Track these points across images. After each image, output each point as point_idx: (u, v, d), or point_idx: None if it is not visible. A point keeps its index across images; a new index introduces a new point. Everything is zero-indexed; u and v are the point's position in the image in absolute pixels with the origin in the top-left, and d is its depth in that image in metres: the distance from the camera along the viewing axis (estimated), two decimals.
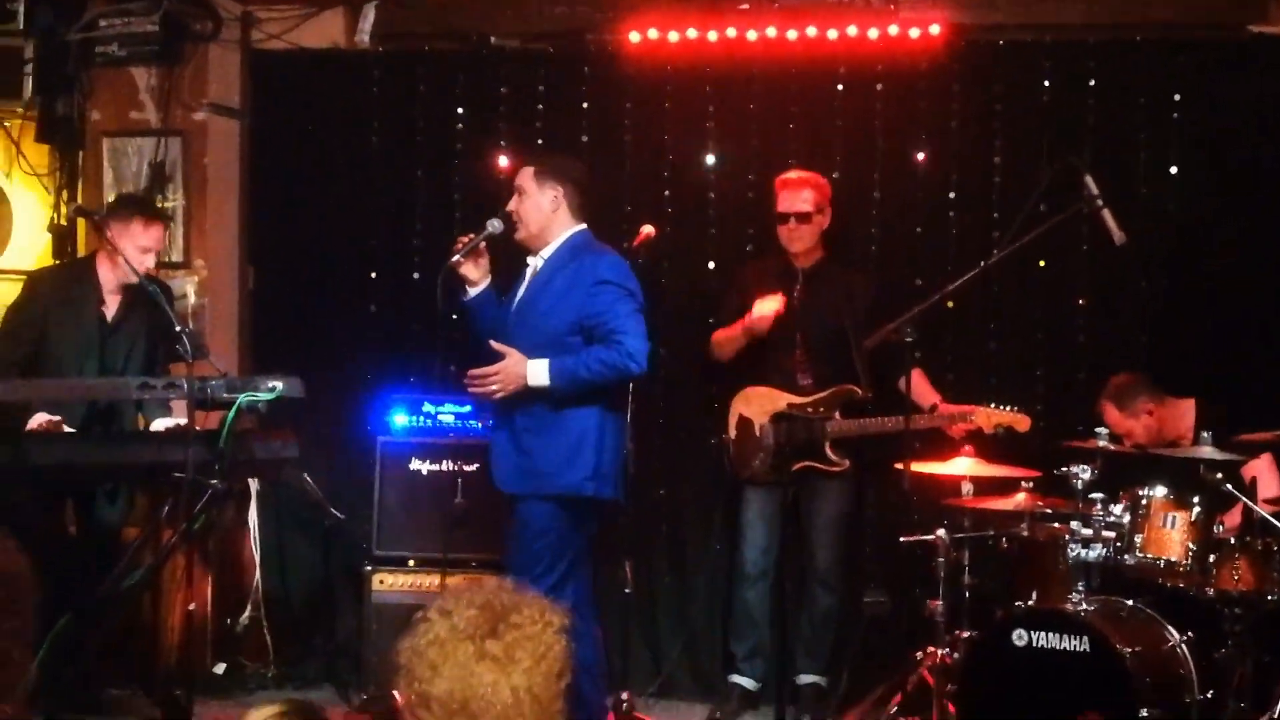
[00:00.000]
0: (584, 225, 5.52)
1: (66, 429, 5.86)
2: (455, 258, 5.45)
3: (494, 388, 5.30)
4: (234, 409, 5.44)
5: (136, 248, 5.99)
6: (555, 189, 5.46)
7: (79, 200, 7.15)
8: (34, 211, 7.38)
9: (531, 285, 5.49)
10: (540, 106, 7.14)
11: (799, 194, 6.44)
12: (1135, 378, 6.17)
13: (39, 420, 5.80)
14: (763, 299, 6.29)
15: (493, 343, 5.38)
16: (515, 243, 5.54)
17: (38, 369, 6.06)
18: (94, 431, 6.05)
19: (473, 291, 5.55)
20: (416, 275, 7.18)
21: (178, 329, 5.60)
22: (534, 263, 5.52)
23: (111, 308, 6.18)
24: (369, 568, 6.52)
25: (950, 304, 6.33)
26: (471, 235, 5.48)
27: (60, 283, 6.33)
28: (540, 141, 7.09)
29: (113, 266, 6.09)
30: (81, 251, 7.08)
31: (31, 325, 6.11)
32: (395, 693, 2.94)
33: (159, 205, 6.67)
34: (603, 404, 5.40)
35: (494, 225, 5.46)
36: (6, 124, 7.35)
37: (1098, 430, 5.64)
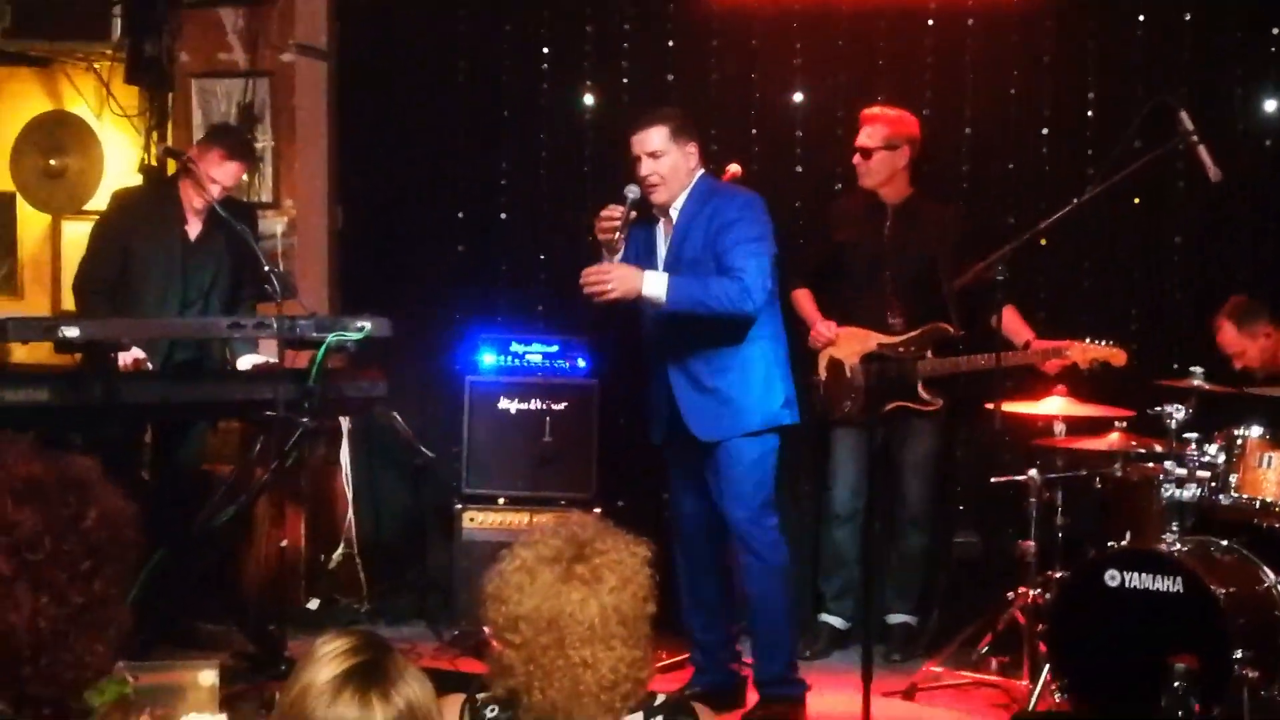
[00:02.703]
0: (703, 169, 5.47)
1: (149, 365, 5.94)
2: (616, 235, 5.24)
3: (610, 287, 5.16)
4: (323, 348, 5.48)
5: (208, 177, 6.03)
6: (690, 145, 5.39)
7: (168, 141, 7.20)
8: (125, 152, 7.44)
9: (672, 242, 5.39)
10: (625, 45, 7.11)
11: (866, 129, 6.38)
12: (1257, 301, 6.08)
13: (127, 358, 5.86)
14: (824, 330, 6.28)
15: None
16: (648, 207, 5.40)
17: (124, 288, 6.14)
18: (185, 369, 6.12)
19: (616, 259, 5.34)
20: (504, 215, 7.21)
21: (266, 268, 5.64)
22: (664, 220, 5.43)
23: (194, 228, 6.24)
24: (459, 506, 6.55)
25: (1044, 241, 6.28)
26: (618, 208, 5.26)
27: (144, 200, 6.44)
28: (625, 81, 7.07)
29: (194, 189, 6.14)
30: None
31: (117, 242, 6.20)
32: (484, 626, 2.97)
33: (249, 147, 6.68)
34: (772, 335, 5.42)
35: (634, 192, 5.29)
36: (96, 65, 7.41)
37: (1193, 369, 5.55)
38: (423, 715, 2.49)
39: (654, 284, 5.18)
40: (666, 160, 5.33)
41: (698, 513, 5.51)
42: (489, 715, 2.92)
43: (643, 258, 5.41)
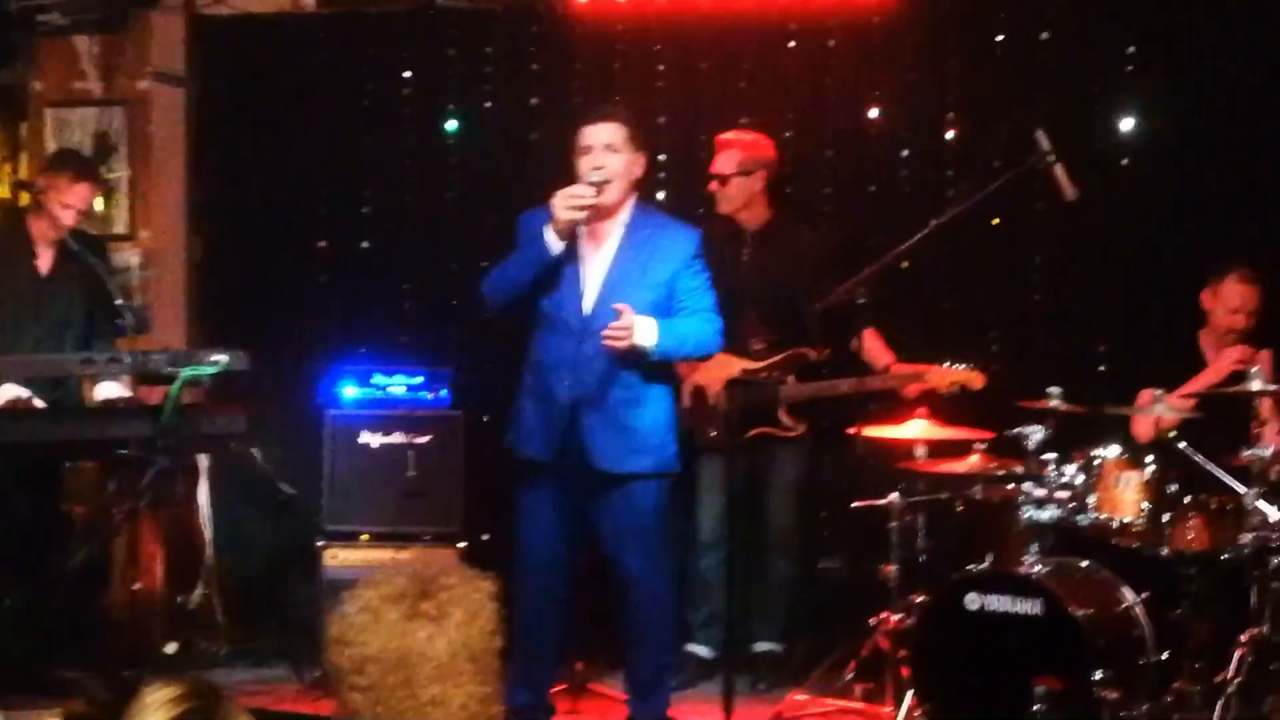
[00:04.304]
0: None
1: (35, 402, 5.79)
2: (579, 214, 5.04)
3: (627, 337, 5.02)
4: (177, 383, 5.36)
5: (60, 204, 5.90)
6: (641, 155, 5.27)
7: (21, 174, 7.05)
8: None
9: (620, 253, 5.23)
10: (488, 69, 7.05)
11: (721, 155, 6.36)
12: None
13: (7, 395, 5.72)
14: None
15: (617, 305, 5.06)
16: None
17: None
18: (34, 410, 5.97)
19: (559, 246, 5.13)
20: (366, 243, 7.11)
21: (119, 302, 5.52)
22: (602, 230, 5.24)
23: (45, 261, 6.10)
24: (321, 543, 6.41)
25: (905, 263, 6.28)
26: (587, 189, 5.06)
27: None
28: (489, 105, 7.01)
29: (46, 221, 6.01)
30: None
31: None
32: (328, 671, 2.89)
33: (95, 168, 6.55)
34: (672, 376, 5.35)
35: (598, 177, 5.08)
36: None
37: (1049, 390, 5.57)
38: None
39: (644, 332, 5.07)
40: (620, 158, 5.17)
41: (560, 542, 5.35)
42: None
43: (560, 270, 5.21)
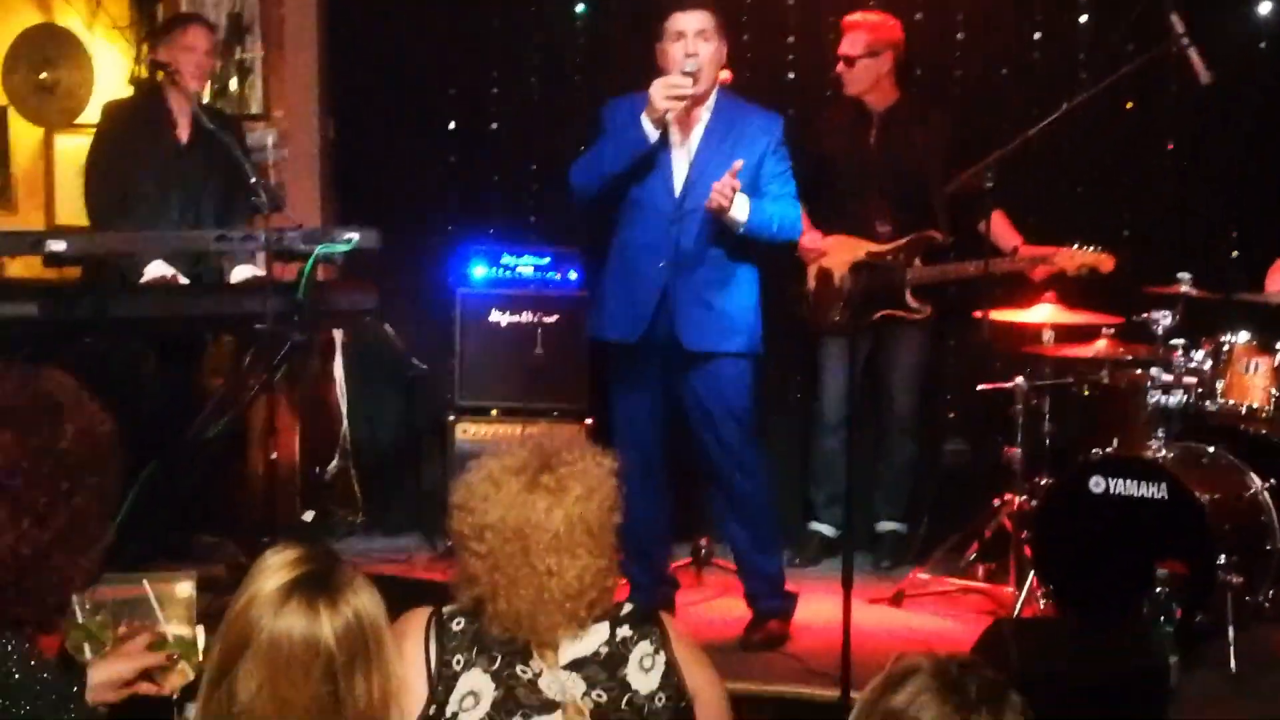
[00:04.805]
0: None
1: (180, 279, 5.94)
2: (678, 104, 5.05)
3: (729, 200, 5.02)
4: (310, 260, 5.45)
5: (182, 59, 6.06)
6: (724, 45, 5.25)
7: (157, 54, 7.14)
8: (116, 64, 7.39)
9: (706, 138, 5.22)
10: None
11: (848, 37, 6.33)
12: None
13: (154, 273, 5.89)
14: (813, 240, 6.20)
15: (735, 165, 5.04)
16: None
17: (129, 199, 6.12)
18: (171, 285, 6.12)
19: (656, 135, 5.15)
20: (494, 125, 7.16)
21: (253, 180, 5.61)
22: (689, 118, 5.23)
23: (184, 131, 6.24)
24: (452, 417, 6.56)
25: (1034, 148, 6.22)
26: (685, 79, 5.05)
27: (134, 108, 6.47)
28: None
29: (176, 92, 6.15)
30: None
31: (118, 154, 6.19)
32: (449, 536, 2.99)
33: (202, 15, 6.81)
34: (760, 259, 5.35)
35: (692, 66, 5.06)
36: None
37: (1180, 275, 5.53)
38: (370, 625, 2.50)
39: (739, 204, 5.07)
40: (710, 45, 5.15)
41: (655, 422, 5.37)
42: (455, 627, 2.94)
43: (650, 157, 5.20)
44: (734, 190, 5.02)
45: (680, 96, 5.05)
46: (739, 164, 5.05)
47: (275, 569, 2.52)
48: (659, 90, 5.05)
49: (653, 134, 5.13)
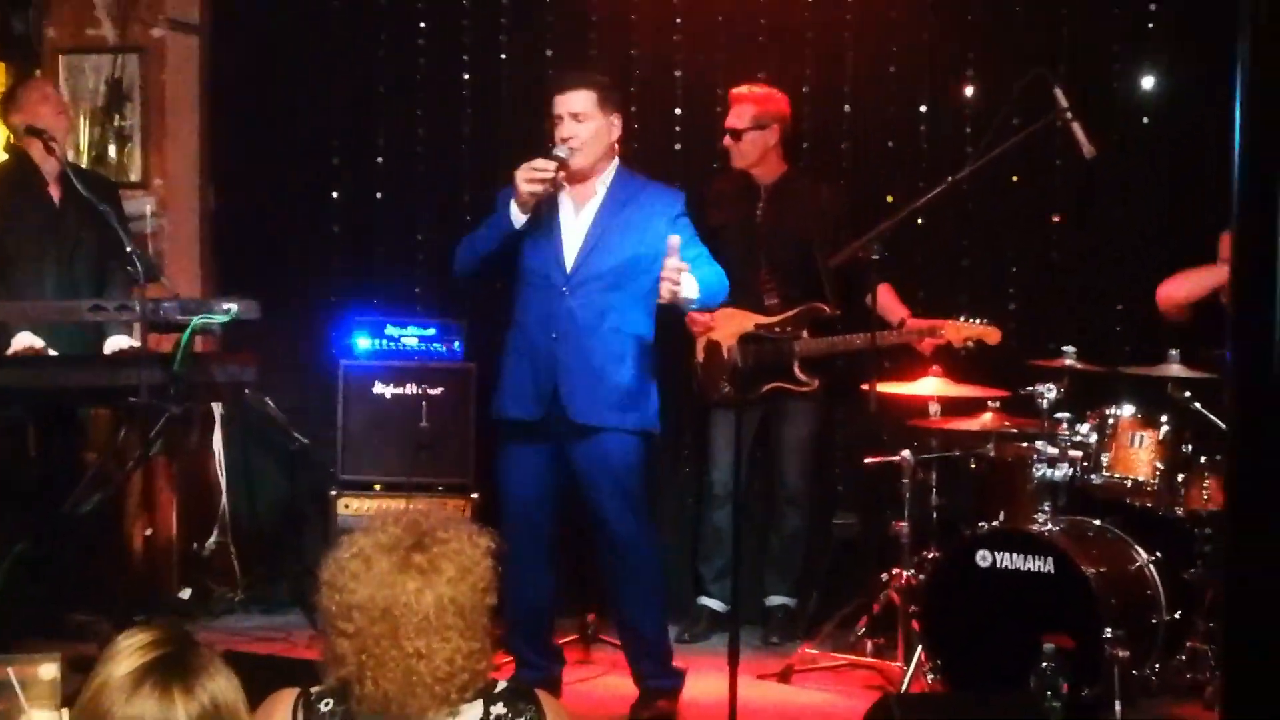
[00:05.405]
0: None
1: (49, 351, 5.80)
2: (542, 189, 5.05)
3: (680, 287, 4.99)
4: (187, 331, 5.37)
5: (55, 120, 6.01)
6: (615, 116, 5.24)
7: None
8: None
9: (601, 212, 5.21)
10: (503, 20, 7.01)
11: (735, 109, 6.35)
12: None
13: (21, 344, 5.73)
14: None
15: (670, 239, 5.01)
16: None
17: (5, 267, 5.99)
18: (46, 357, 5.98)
19: (522, 219, 5.15)
20: (379, 195, 7.09)
21: (128, 249, 5.50)
22: (584, 192, 5.24)
23: (55, 190, 6.12)
24: (334, 492, 6.46)
25: (921, 220, 6.26)
26: (549, 163, 5.06)
27: (4, 172, 6.30)
28: (504, 56, 6.98)
29: (44, 152, 6.01)
30: None
31: None
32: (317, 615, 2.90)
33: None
34: (654, 334, 5.31)
35: (563, 152, 5.09)
36: None
37: (1064, 349, 5.55)
38: (228, 711, 2.41)
39: (689, 285, 5.05)
40: (590, 125, 5.16)
41: (546, 495, 5.30)
42: (323, 709, 2.85)
43: (542, 231, 5.20)
44: (682, 268, 5.00)
45: (541, 180, 5.05)
46: (676, 239, 5.02)
47: (127, 653, 2.42)
48: (522, 174, 5.08)
49: (518, 219, 5.13)
